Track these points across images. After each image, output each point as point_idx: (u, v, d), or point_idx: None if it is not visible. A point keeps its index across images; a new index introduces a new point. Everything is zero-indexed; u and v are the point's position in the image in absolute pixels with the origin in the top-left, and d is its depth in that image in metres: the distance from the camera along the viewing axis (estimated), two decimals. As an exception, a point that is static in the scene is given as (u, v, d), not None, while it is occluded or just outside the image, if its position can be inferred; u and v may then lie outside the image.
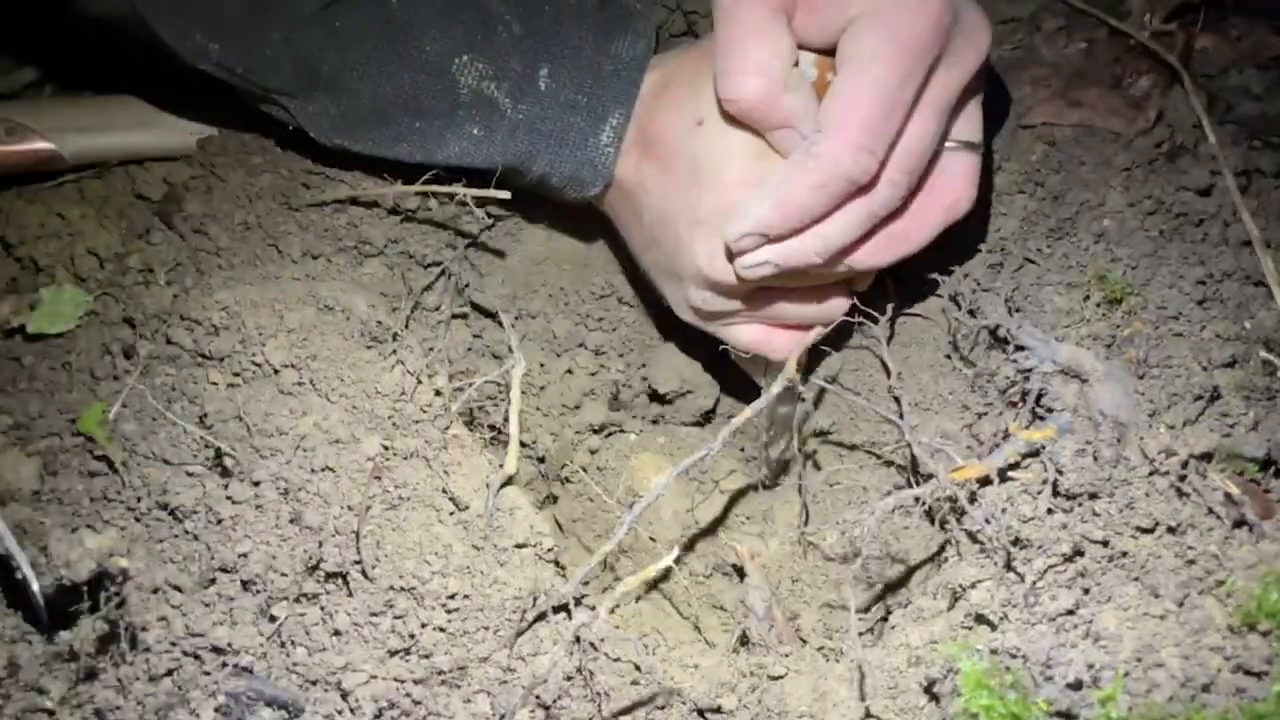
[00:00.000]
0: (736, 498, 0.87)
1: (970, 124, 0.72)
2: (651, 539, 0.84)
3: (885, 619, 0.73)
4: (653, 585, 0.84)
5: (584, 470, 0.88)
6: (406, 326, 0.82)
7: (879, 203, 0.69)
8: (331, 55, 0.77)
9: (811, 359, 0.84)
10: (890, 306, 0.83)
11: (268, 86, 0.80)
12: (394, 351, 0.78)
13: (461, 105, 0.77)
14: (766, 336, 0.79)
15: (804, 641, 0.78)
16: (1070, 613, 0.59)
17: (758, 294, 0.76)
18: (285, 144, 0.88)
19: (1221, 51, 0.81)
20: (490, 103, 0.77)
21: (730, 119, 0.71)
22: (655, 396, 0.91)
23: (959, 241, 0.84)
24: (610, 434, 0.92)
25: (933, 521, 0.72)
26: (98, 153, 0.87)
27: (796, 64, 0.70)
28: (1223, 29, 0.83)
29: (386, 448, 0.73)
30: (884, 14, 0.65)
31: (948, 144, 0.72)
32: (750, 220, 0.69)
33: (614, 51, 0.76)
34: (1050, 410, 0.68)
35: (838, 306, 0.78)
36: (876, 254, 0.73)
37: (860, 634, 0.71)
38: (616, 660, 0.71)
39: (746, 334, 0.79)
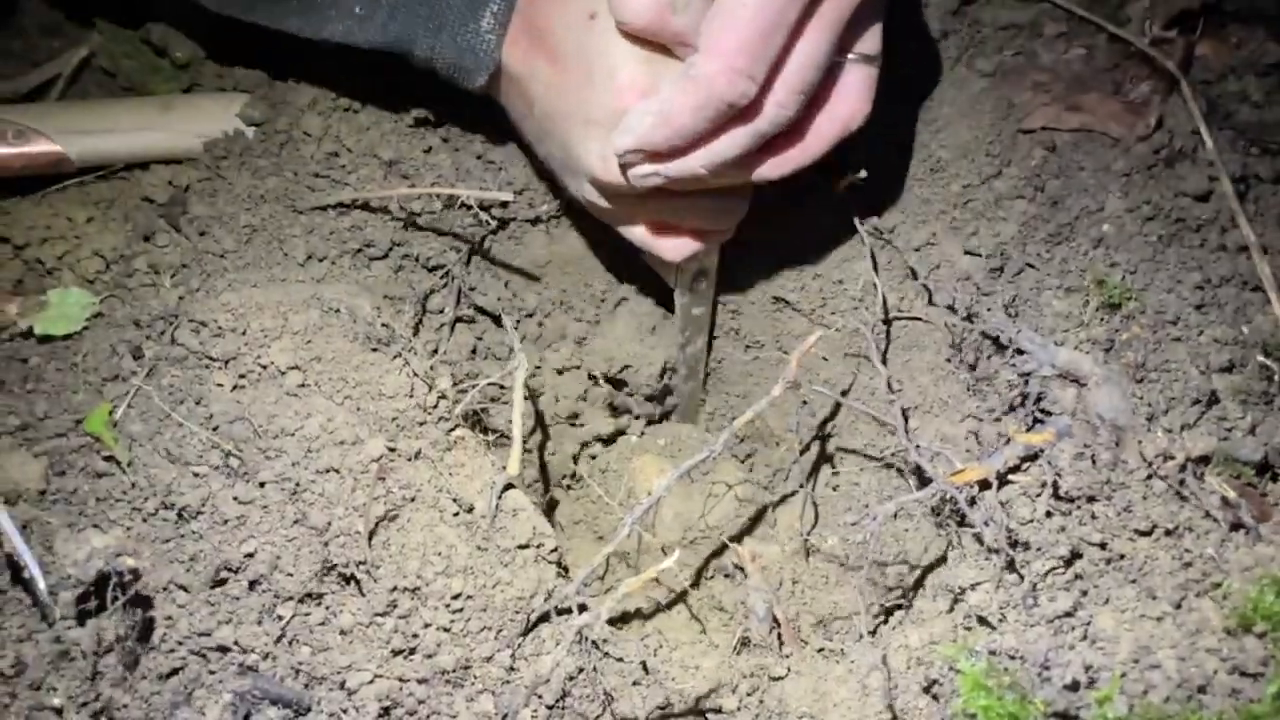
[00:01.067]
0: (738, 500, 0.87)
1: (869, 38, 0.70)
2: (663, 549, 0.84)
3: (885, 620, 0.73)
4: (655, 587, 0.85)
5: (586, 473, 0.89)
6: (413, 330, 0.83)
7: (766, 123, 0.68)
8: None
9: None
10: (883, 310, 0.84)
11: None
12: (398, 354, 0.78)
13: None
14: (658, 236, 0.78)
15: (804, 643, 0.79)
16: (1068, 614, 0.59)
17: (651, 195, 0.74)
18: (290, 147, 0.88)
19: (1220, 58, 0.82)
20: None
21: None
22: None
23: (959, 246, 0.84)
24: (612, 436, 0.93)
25: (935, 524, 0.73)
26: (104, 155, 0.88)
27: None
28: (1222, 36, 0.83)
29: (391, 449, 0.73)
30: None
31: (848, 56, 0.70)
32: (633, 137, 0.69)
33: None
34: (1049, 414, 0.68)
35: (735, 211, 0.78)
36: (769, 169, 0.72)
37: (861, 635, 0.72)
38: (619, 661, 0.71)
39: (639, 232, 0.78)
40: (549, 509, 0.90)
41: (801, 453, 0.86)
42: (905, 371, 0.84)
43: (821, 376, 0.89)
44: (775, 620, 0.79)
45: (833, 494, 0.86)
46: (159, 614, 0.68)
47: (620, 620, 0.82)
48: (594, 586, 0.84)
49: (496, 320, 0.89)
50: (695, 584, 0.85)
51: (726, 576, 0.85)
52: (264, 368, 0.76)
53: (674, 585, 0.84)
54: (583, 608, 0.71)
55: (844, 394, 0.86)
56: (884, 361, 0.85)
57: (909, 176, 0.86)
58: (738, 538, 0.86)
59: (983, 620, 0.63)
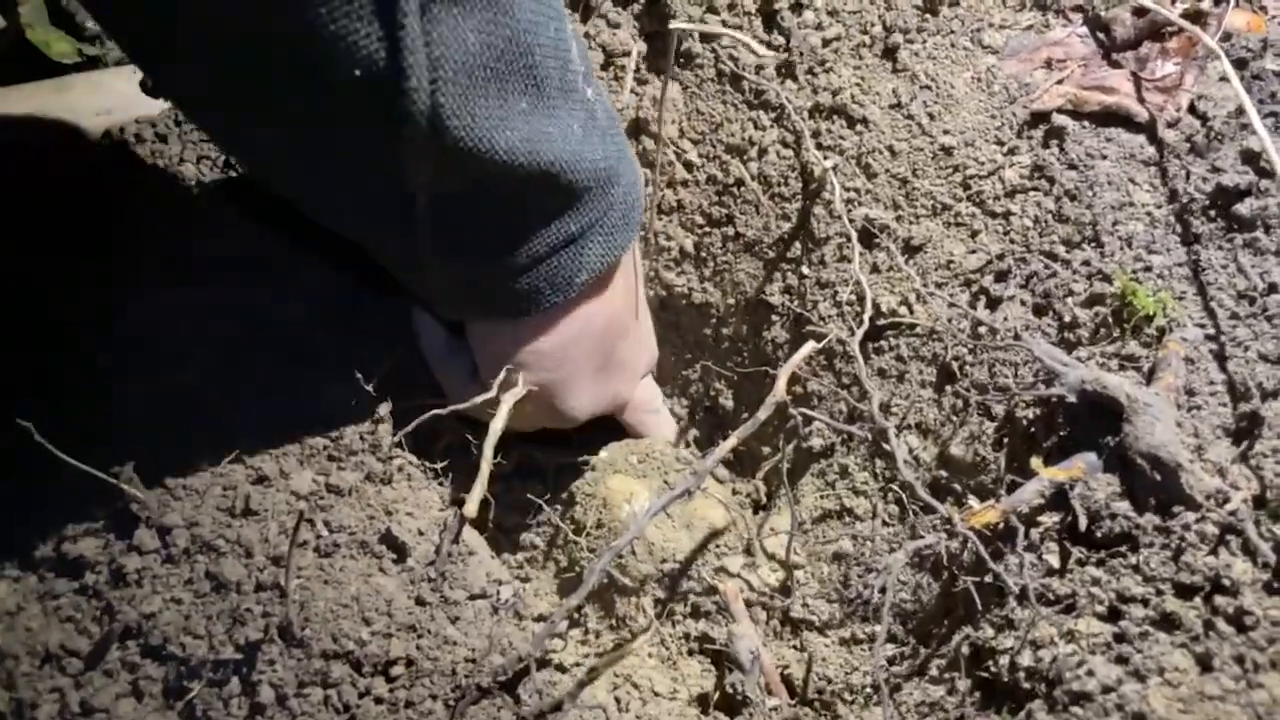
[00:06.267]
0: (720, 528, 0.78)
1: None
2: (639, 586, 0.76)
3: (889, 679, 0.64)
4: (625, 627, 0.76)
5: (547, 500, 0.80)
6: (349, 344, 0.73)
7: None
8: None
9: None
10: (876, 317, 0.75)
11: None
12: (332, 370, 0.68)
13: (565, 89, 0.62)
14: None
15: (795, 695, 0.70)
16: (1109, 690, 0.51)
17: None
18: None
19: (1259, 31, 0.73)
20: (581, 96, 0.64)
21: None
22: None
23: (964, 244, 0.75)
24: (580, 454, 0.84)
25: (943, 572, 0.64)
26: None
27: None
28: (1259, 6, 0.74)
29: (320, 484, 0.64)
30: None
31: None
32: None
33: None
34: (1077, 444, 0.59)
35: None
36: None
37: (866, 697, 0.64)
38: (584, 726, 0.62)
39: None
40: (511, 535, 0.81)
41: (789, 477, 0.77)
42: (904, 388, 0.75)
43: (810, 390, 0.80)
44: (762, 668, 0.70)
45: (822, 522, 0.78)
46: (44, 687, 0.58)
47: (586, 667, 0.73)
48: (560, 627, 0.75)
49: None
50: (672, 625, 0.76)
51: (706, 614, 0.76)
52: (176, 387, 0.67)
53: (647, 625, 0.75)
54: (542, 665, 0.62)
55: (836, 415, 0.77)
56: (879, 374, 0.76)
57: (907, 165, 0.77)
58: (719, 570, 0.77)
59: (1005, 692, 0.54)
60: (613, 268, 0.72)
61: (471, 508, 0.65)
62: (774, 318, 0.83)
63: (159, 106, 0.79)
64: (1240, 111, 0.67)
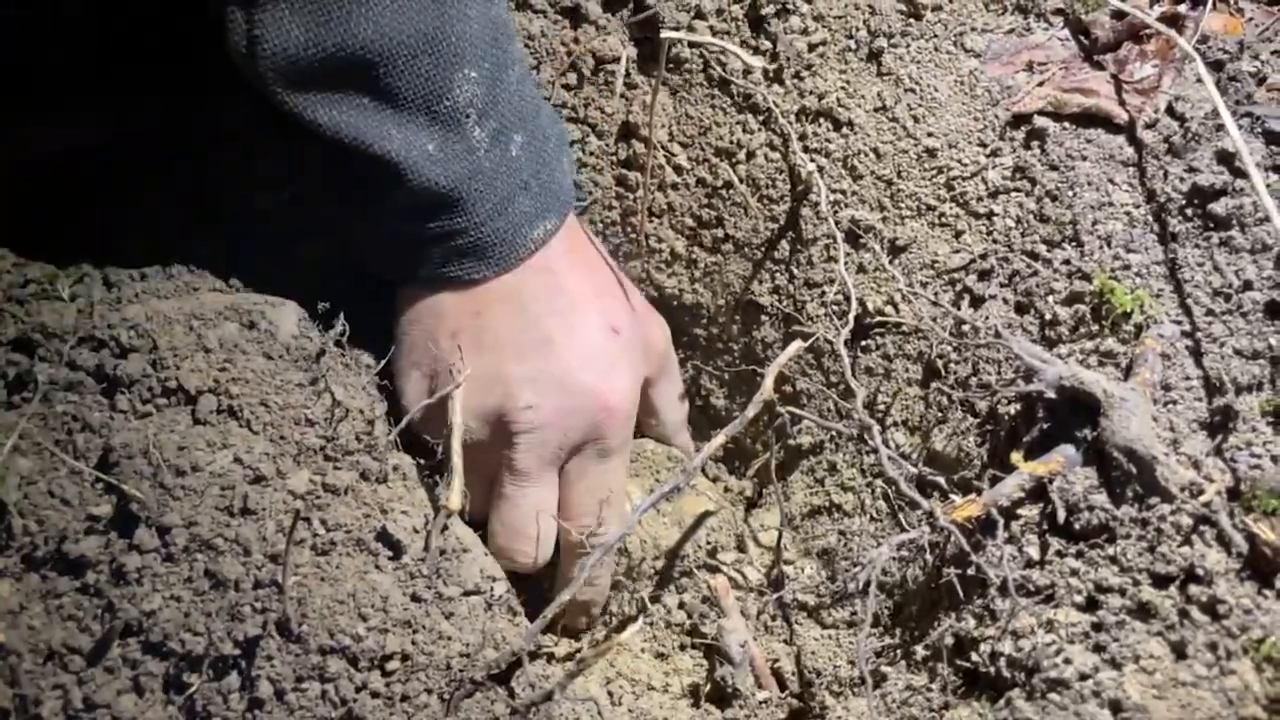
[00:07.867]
0: (710, 524, 0.80)
1: None
2: (629, 576, 0.77)
3: (875, 671, 0.66)
4: (616, 621, 0.78)
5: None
6: (344, 345, 0.74)
7: None
8: None
9: None
10: (861, 317, 0.76)
11: None
12: (327, 372, 0.70)
13: (436, 116, 0.68)
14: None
15: (784, 687, 0.71)
16: (1086, 677, 0.52)
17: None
18: (209, 138, 0.79)
19: (1235, 34, 0.74)
20: (460, 131, 0.69)
21: None
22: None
23: (947, 244, 0.77)
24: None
25: (927, 564, 0.65)
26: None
27: None
28: (1236, 8, 0.75)
29: (316, 484, 0.65)
30: None
31: None
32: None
33: (567, 168, 0.76)
34: (1056, 439, 0.61)
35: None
36: None
37: (850, 687, 0.65)
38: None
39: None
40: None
41: (777, 473, 0.78)
42: (890, 385, 0.76)
43: (799, 388, 0.81)
44: (752, 661, 0.71)
45: (812, 517, 0.79)
46: (47, 684, 0.60)
47: (578, 661, 0.74)
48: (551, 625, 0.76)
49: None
50: (663, 619, 0.77)
51: (697, 608, 0.77)
52: (172, 392, 0.68)
53: (639, 618, 0.76)
54: (534, 657, 0.63)
55: (825, 413, 0.78)
56: (865, 373, 0.78)
57: (892, 167, 0.78)
58: (710, 565, 0.78)
59: (987, 681, 0.56)
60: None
61: (454, 500, 0.66)
62: (763, 317, 0.84)
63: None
64: (1216, 113, 0.68)
